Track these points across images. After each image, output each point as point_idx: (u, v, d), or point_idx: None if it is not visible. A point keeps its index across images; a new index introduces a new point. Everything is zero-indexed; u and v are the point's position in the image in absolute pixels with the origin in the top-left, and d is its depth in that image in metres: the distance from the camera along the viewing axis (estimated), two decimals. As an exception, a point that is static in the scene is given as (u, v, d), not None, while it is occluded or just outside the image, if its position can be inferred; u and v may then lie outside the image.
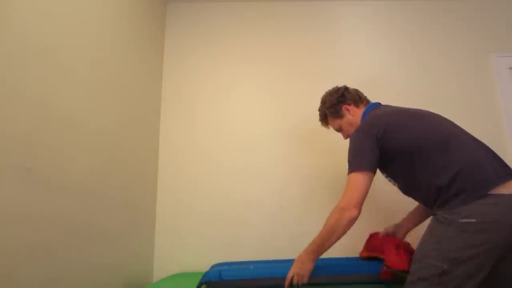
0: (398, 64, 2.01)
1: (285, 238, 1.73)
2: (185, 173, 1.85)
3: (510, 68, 1.99)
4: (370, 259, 1.32)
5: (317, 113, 1.45)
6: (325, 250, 1.11)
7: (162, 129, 1.91)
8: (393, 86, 1.96)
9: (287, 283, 1.09)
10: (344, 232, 1.08)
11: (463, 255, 0.93)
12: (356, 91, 1.38)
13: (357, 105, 1.34)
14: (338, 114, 1.36)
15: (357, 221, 1.08)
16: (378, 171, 1.18)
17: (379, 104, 1.33)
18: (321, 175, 1.83)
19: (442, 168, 1.02)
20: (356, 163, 1.12)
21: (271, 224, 1.77)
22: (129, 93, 1.56)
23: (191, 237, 1.76)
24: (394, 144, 1.11)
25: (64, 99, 1.07)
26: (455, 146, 1.05)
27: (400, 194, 1.23)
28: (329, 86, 1.44)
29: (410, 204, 1.33)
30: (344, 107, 1.34)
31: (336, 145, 1.72)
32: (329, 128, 1.46)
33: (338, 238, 1.09)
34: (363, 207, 1.09)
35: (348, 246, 1.41)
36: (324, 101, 1.41)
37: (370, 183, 1.10)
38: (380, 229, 1.41)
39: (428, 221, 1.08)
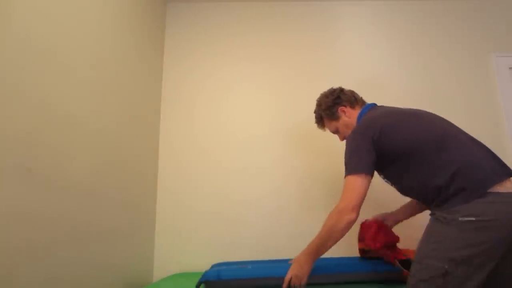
0: (398, 64, 2.01)
1: (284, 238, 1.74)
2: (185, 173, 1.85)
3: (510, 68, 1.99)
4: (371, 258, 1.32)
5: (317, 113, 1.45)
6: (323, 252, 1.10)
7: (162, 129, 1.92)
8: (393, 86, 1.96)
9: (285, 285, 1.08)
10: (342, 235, 1.08)
11: (463, 254, 0.92)
12: (352, 92, 1.37)
13: (353, 106, 1.33)
14: (334, 116, 1.35)
15: (357, 221, 1.08)
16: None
17: (374, 105, 1.33)
18: (320, 176, 1.83)
19: (440, 168, 1.02)
20: (353, 165, 1.11)
21: (269, 224, 1.77)
22: (129, 93, 1.56)
23: (191, 237, 1.76)
24: (390, 145, 1.10)
25: (64, 99, 1.07)
26: (452, 145, 1.04)
27: (397, 194, 1.22)
28: (328, 86, 1.43)
29: (410, 204, 1.33)
30: (340, 109, 1.33)
31: (335, 146, 1.71)
32: (325, 130, 1.45)
33: (336, 241, 1.08)
34: (362, 207, 1.08)
35: (348, 246, 1.41)
36: (319, 103, 1.40)
37: (368, 185, 1.09)
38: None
39: (426, 221, 1.08)
